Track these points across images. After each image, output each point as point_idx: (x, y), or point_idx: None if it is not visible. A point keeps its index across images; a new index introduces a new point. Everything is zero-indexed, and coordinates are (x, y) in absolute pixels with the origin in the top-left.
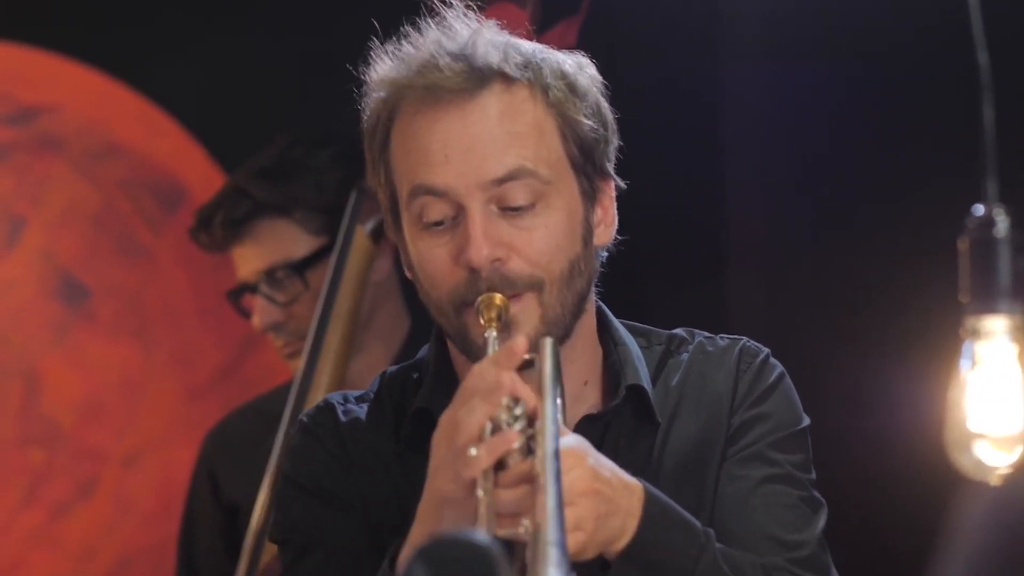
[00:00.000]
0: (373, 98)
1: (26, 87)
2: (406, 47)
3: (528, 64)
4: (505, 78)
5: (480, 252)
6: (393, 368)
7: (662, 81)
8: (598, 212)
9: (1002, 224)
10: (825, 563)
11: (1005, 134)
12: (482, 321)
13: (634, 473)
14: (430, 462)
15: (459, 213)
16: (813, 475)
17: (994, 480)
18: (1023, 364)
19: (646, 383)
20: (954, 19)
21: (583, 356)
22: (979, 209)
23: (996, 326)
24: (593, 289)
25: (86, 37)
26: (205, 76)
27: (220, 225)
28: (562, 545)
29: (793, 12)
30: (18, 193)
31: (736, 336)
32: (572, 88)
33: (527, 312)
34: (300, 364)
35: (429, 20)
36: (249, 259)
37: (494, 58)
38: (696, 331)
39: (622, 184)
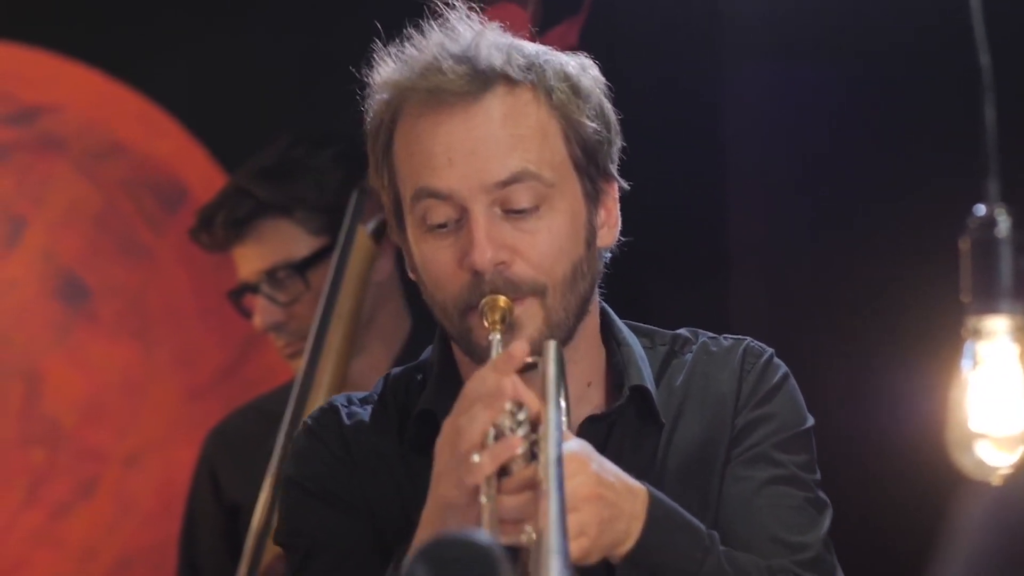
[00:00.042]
0: (376, 100)
1: (27, 87)
2: (409, 49)
3: (531, 66)
4: (508, 80)
5: (484, 255)
6: (397, 370)
7: (662, 81)
8: (601, 214)
9: (1003, 224)
10: (831, 564)
11: (1006, 134)
12: (486, 324)
13: (638, 474)
14: (433, 468)
15: (463, 216)
16: (818, 475)
17: (995, 480)
18: None
19: (650, 384)
20: (955, 19)
21: (586, 357)
22: (980, 209)
23: (997, 326)
24: (597, 290)
25: (87, 37)
26: (206, 76)
27: (221, 225)
28: (564, 553)
29: (794, 12)
30: (19, 193)
31: (740, 336)
32: (575, 90)
33: (530, 314)
34: (301, 364)
35: (432, 22)
36: (250, 259)
37: (497, 60)
38: (700, 331)
39: (625, 185)
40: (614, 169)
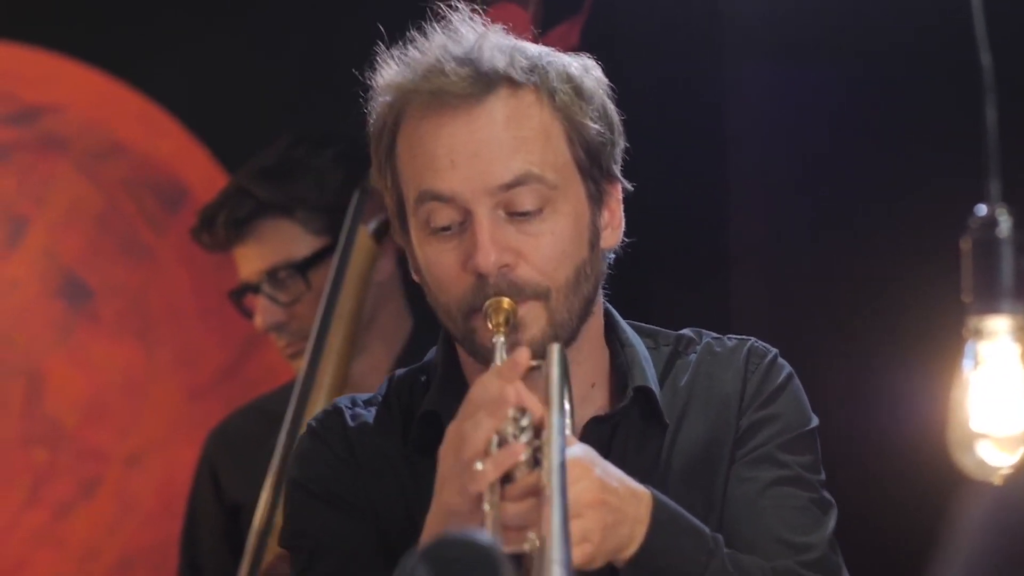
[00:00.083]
0: (379, 102)
1: (28, 87)
2: (412, 51)
3: (534, 68)
4: (511, 82)
5: (488, 258)
6: (401, 371)
7: (663, 81)
8: (605, 215)
9: (1005, 224)
10: (836, 564)
11: (1008, 134)
12: (490, 326)
13: (642, 475)
14: (437, 474)
15: (466, 218)
16: (822, 476)
17: (996, 480)
18: None
19: (653, 384)
20: (956, 19)
21: (590, 358)
22: (982, 209)
23: (999, 326)
24: (601, 291)
25: (88, 37)
26: (207, 76)
27: (222, 225)
28: (567, 564)
29: (794, 12)
30: (21, 193)
31: (744, 336)
32: (578, 91)
33: (534, 316)
34: (302, 364)
35: (435, 24)
36: (251, 259)
37: (500, 62)
38: (704, 331)
39: (629, 186)
40: (617, 170)
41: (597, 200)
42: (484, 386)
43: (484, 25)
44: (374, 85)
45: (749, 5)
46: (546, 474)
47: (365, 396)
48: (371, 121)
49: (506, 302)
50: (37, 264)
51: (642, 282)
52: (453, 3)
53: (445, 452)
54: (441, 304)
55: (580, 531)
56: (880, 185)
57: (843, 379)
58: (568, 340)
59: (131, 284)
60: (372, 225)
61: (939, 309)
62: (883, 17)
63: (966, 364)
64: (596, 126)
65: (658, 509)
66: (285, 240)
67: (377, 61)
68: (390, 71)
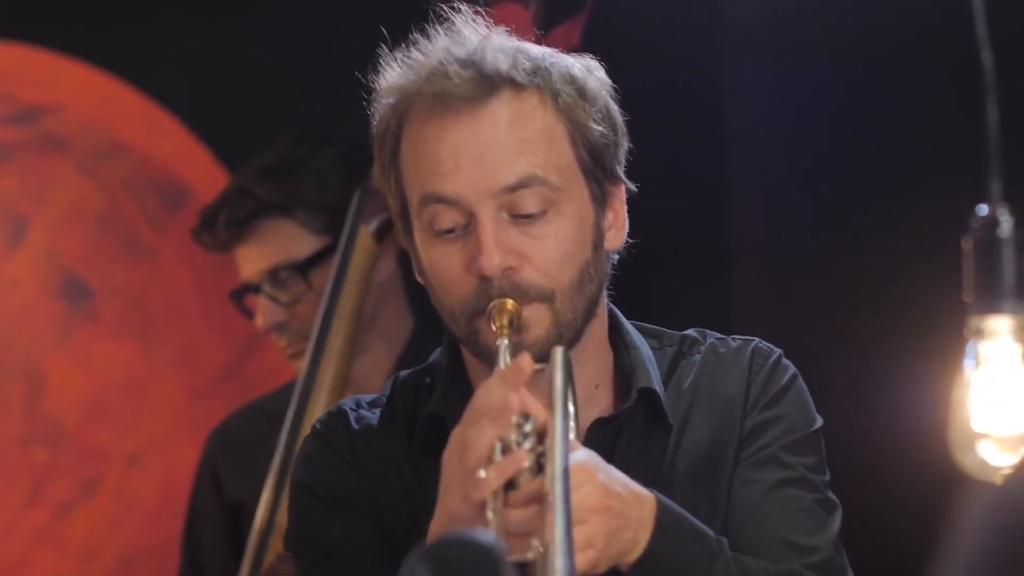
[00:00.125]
0: (382, 105)
1: (29, 87)
2: (415, 54)
3: (537, 70)
4: (514, 84)
5: (492, 261)
6: (405, 373)
7: (663, 81)
8: (608, 216)
9: (1006, 224)
10: (841, 565)
11: (1009, 134)
12: (494, 328)
13: (646, 476)
14: (441, 480)
15: (470, 221)
16: (827, 476)
17: (998, 480)
18: None
19: (658, 385)
20: (957, 19)
21: (594, 359)
22: (983, 209)
23: (1000, 326)
24: (604, 292)
25: (89, 37)
26: (207, 76)
27: (224, 225)
28: (570, 571)
29: (794, 12)
30: (22, 193)
31: (748, 337)
32: (581, 93)
33: (538, 317)
34: (303, 364)
35: (437, 26)
36: (252, 259)
37: (503, 64)
38: (708, 332)
39: (632, 187)
40: (621, 171)
41: (601, 201)
42: (487, 392)
43: (487, 27)
44: (377, 87)
45: (749, 5)
46: (549, 480)
47: (369, 398)
48: (374, 123)
49: (510, 304)
50: (38, 264)
51: (643, 282)
52: (455, 3)
53: (449, 459)
54: (445, 306)
55: (584, 537)
56: (881, 185)
57: (844, 379)
58: (572, 341)
59: (132, 284)
60: (373, 225)
61: (940, 309)
62: (883, 17)
63: (967, 364)
64: (599, 127)
65: (662, 513)
66: (286, 240)
67: (380, 63)
68: (393, 73)
